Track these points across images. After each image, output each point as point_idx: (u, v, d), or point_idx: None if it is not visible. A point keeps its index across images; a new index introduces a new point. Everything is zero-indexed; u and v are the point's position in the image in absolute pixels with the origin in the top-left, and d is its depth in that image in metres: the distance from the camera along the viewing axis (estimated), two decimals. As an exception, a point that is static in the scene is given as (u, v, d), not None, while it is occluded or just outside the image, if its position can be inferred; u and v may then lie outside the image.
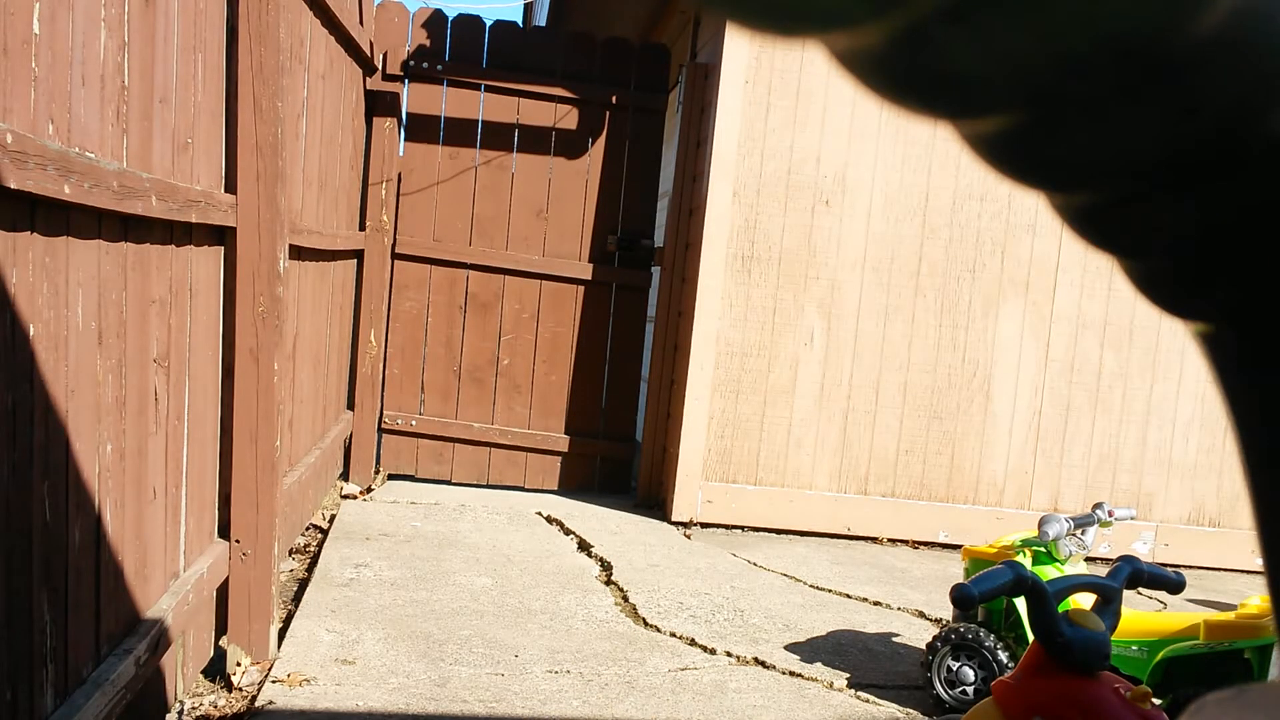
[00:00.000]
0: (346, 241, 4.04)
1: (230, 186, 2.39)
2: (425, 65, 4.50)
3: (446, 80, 4.53)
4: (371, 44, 4.35)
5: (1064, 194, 0.35)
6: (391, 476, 4.68)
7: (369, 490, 4.42)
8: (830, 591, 3.52)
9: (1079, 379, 4.26)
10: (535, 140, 4.61)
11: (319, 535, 3.69)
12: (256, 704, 2.25)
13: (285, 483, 3.02)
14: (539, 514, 4.28)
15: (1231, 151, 0.32)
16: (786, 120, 4.18)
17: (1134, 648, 2.32)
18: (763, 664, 2.77)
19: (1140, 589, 2.70)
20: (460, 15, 4.56)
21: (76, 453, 1.67)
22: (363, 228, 4.47)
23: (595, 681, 2.55)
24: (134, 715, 1.94)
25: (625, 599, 3.23)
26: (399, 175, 4.55)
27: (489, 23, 4.56)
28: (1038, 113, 0.31)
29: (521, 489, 4.72)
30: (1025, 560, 2.51)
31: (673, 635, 2.93)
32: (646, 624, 3.01)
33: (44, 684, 1.60)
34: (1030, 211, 4.28)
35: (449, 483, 4.69)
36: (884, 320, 4.28)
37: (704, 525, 4.28)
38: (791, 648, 2.91)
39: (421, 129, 4.56)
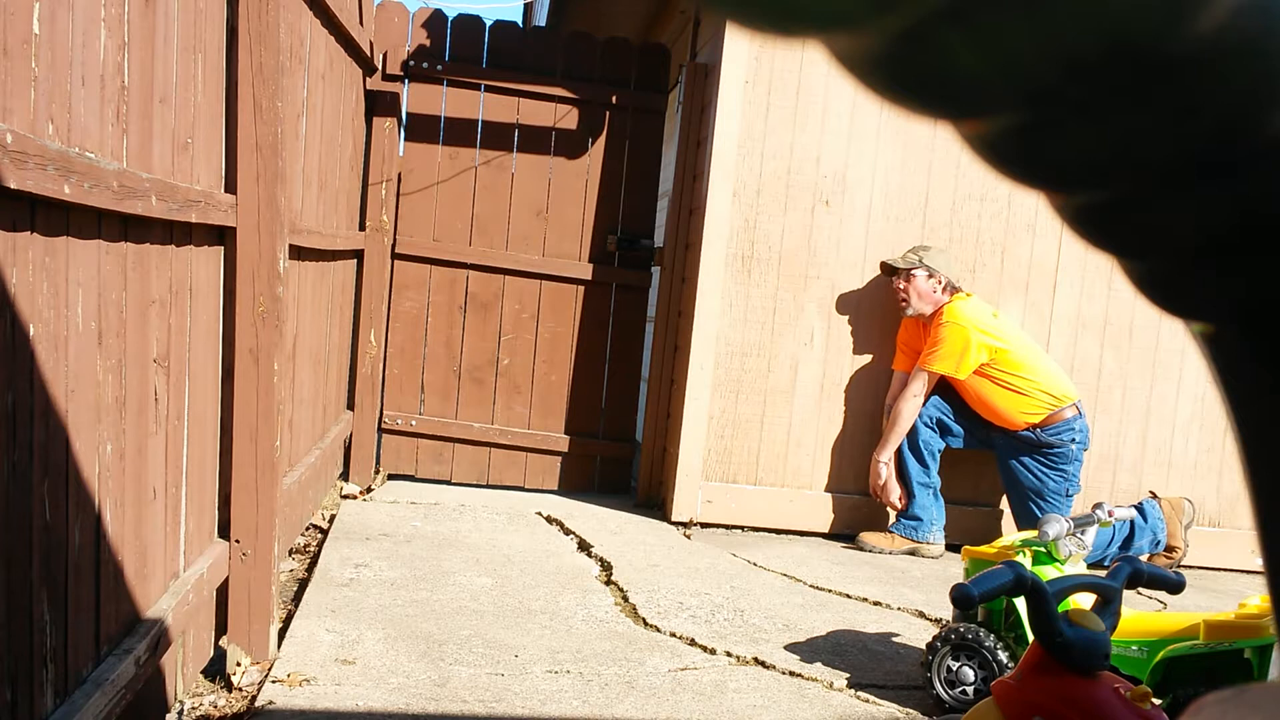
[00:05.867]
0: (346, 241, 4.04)
1: (230, 186, 2.39)
2: (425, 65, 4.49)
3: (446, 80, 4.53)
4: (371, 44, 4.35)
5: (1064, 194, 0.35)
6: (391, 476, 4.68)
7: (369, 490, 4.42)
8: (830, 591, 3.52)
9: (1079, 379, 4.26)
10: (535, 140, 4.61)
11: (319, 535, 3.69)
12: (256, 704, 2.25)
13: (285, 483, 3.01)
14: (539, 514, 4.28)
15: (1232, 151, 0.32)
16: (786, 120, 4.18)
17: (1134, 648, 2.32)
18: (763, 664, 2.77)
19: (1140, 589, 2.71)
20: (460, 15, 4.56)
21: (76, 452, 1.67)
22: (363, 228, 4.47)
23: (595, 681, 2.55)
24: (134, 715, 1.94)
25: (625, 599, 3.23)
26: (399, 175, 4.54)
27: (489, 23, 4.56)
28: (1038, 113, 0.31)
29: (521, 489, 4.72)
30: (1025, 560, 2.51)
31: (673, 635, 2.93)
32: (646, 624, 3.01)
33: (44, 684, 1.60)
34: (1030, 211, 4.28)
35: (449, 483, 4.69)
36: (884, 320, 4.28)
37: (704, 525, 4.28)
38: (791, 648, 2.91)
39: (421, 129, 4.56)
